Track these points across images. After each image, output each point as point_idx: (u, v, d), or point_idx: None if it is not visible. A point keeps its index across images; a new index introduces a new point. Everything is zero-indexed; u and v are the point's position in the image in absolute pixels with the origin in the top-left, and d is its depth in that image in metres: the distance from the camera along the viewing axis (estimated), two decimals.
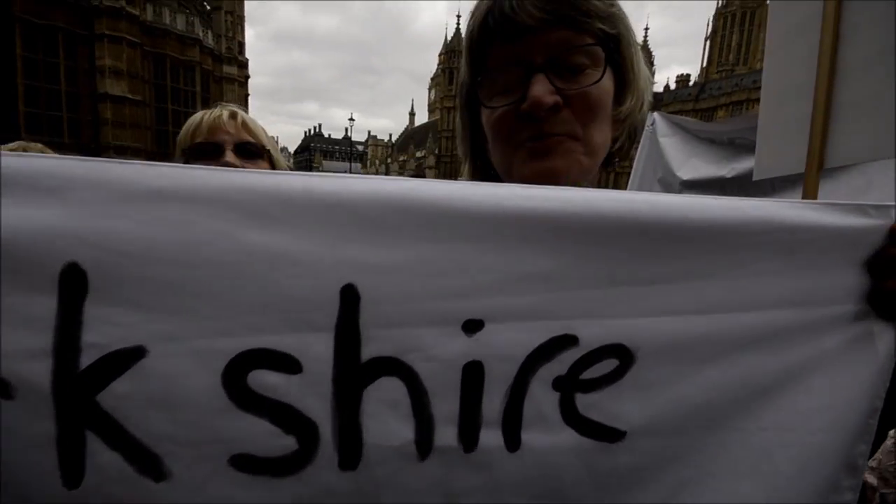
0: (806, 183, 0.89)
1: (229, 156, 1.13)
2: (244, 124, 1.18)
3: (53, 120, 24.01)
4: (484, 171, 0.72)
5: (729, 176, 3.37)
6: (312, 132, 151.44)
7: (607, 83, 0.61)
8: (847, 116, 0.82)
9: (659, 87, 79.97)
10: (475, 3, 0.63)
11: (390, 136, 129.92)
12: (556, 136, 0.60)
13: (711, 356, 0.52)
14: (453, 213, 0.45)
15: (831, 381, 0.56)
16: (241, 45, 34.74)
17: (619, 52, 0.62)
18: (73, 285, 0.38)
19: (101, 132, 25.09)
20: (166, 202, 0.39)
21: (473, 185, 0.46)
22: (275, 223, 0.41)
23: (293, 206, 0.42)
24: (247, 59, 35.46)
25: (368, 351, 0.44)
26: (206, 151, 1.13)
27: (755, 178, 1.05)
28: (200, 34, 29.57)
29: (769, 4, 0.97)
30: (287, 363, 0.42)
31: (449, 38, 76.48)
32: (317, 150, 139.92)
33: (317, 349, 0.43)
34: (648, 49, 76.57)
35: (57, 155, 0.44)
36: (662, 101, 76.94)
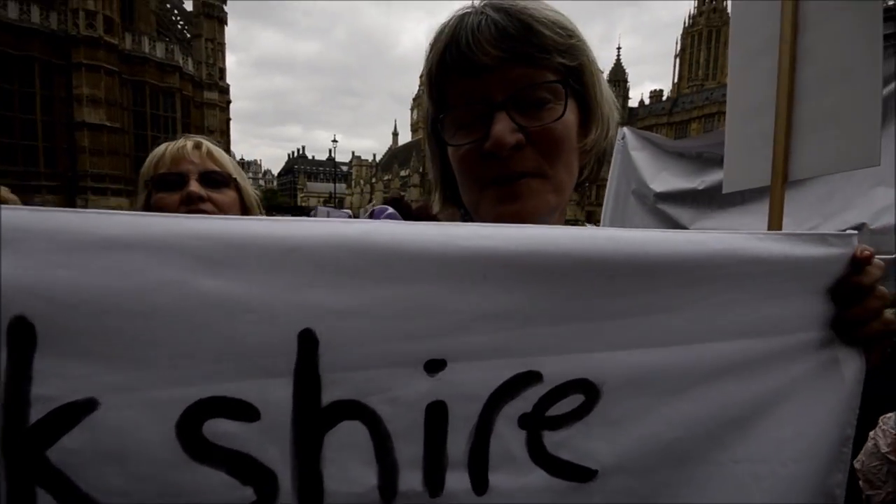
0: (772, 195, 0.92)
1: (194, 185, 1.11)
2: (209, 154, 1.18)
3: (29, 149, 23.52)
4: (454, 201, 0.72)
5: (700, 188, 3.53)
6: (296, 154, 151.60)
7: (571, 117, 0.61)
8: (807, 132, 0.86)
9: (634, 103, 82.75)
10: (434, 35, 0.63)
11: (374, 156, 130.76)
12: (522, 179, 0.59)
13: (678, 388, 0.52)
14: (412, 255, 0.44)
15: (800, 409, 0.56)
16: (222, 72, 34.83)
17: (582, 82, 0.62)
18: (21, 339, 0.37)
19: (79, 160, 24.63)
20: (118, 251, 0.38)
21: (433, 226, 0.47)
22: (229, 270, 0.40)
23: (248, 253, 0.41)
24: (228, 85, 35.55)
25: (329, 395, 0.43)
26: (170, 182, 1.12)
27: (724, 190, 1.09)
28: (180, 61, 29.57)
29: (731, 28, 1.01)
30: (244, 411, 0.41)
31: None
32: (301, 172, 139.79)
33: (275, 395, 0.42)
34: (622, 67, 79.34)
35: (12, 206, 0.43)
36: (638, 116, 79.45)
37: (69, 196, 24.24)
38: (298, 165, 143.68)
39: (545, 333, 0.48)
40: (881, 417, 1.72)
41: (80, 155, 24.65)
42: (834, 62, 0.80)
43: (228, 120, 36.28)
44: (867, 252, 0.55)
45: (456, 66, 0.59)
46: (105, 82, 25.09)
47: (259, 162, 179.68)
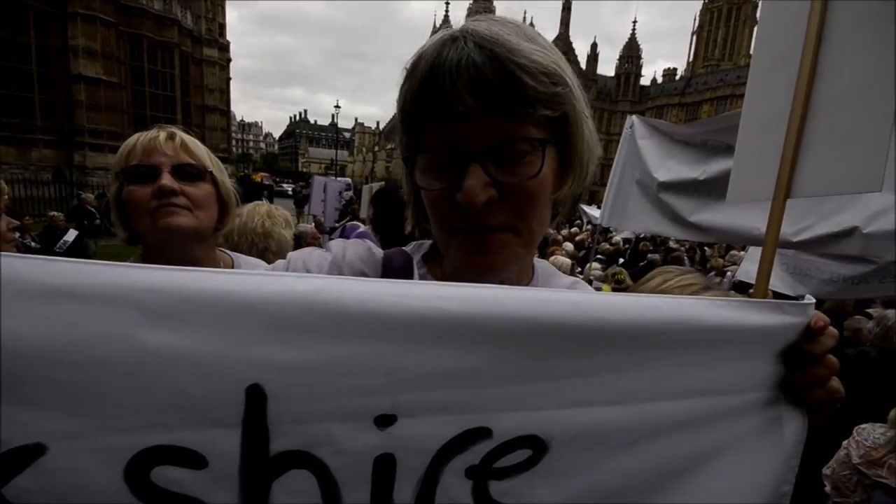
0: (772, 210, 0.90)
1: (166, 178, 1.07)
2: (183, 145, 1.12)
3: (25, 101, 22.94)
4: (423, 231, 0.70)
5: (701, 178, 3.47)
6: (298, 118, 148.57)
7: (548, 171, 0.58)
8: (816, 149, 0.83)
9: (646, 81, 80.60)
10: (411, 62, 0.58)
11: (378, 123, 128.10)
12: (491, 233, 0.57)
13: (624, 443, 0.53)
14: (365, 314, 0.44)
15: (738, 464, 0.58)
16: (222, 27, 33.66)
17: (564, 131, 0.59)
18: None
19: (76, 115, 24.10)
20: (63, 301, 0.37)
21: (388, 284, 0.46)
22: (176, 323, 0.40)
23: (196, 307, 0.40)
24: (228, 42, 34.44)
25: (277, 445, 0.44)
26: (142, 175, 1.07)
27: (728, 199, 1.06)
28: (179, 15, 28.47)
29: (755, 35, 0.97)
30: (191, 459, 0.42)
31: (438, 25, 75.39)
32: (302, 137, 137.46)
33: (222, 445, 0.42)
34: (636, 43, 76.74)
35: None
36: (649, 95, 77.56)
37: (67, 151, 23.87)
38: (300, 130, 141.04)
39: (497, 392, 0.48)
40: (856, 428, 1.76)
41: (77, 109, 24.08)
42: (854, 79, 0.76)
43: (228, 79, 35.34)
44: (821, 322, 0.56)
45: (431, 109, 0.55)
46: (101, 34, 24.22)
47: (260, 124, 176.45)
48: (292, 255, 0.68)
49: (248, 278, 0.42)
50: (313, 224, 9.20)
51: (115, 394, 0.39)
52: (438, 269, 0.70)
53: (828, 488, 1.77)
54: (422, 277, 0.68)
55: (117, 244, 1.21)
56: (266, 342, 0.41)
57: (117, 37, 25.46)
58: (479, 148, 0.54)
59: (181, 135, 1.14)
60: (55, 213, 7.12)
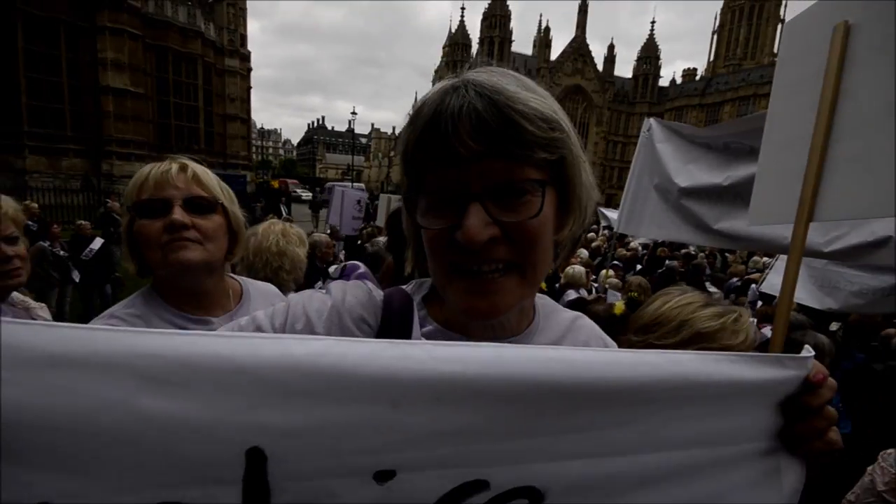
0: (794, 233, 0.87)
1: (178, 212, 1.07)
2: (195, 177, 1.13)
3: (56, 112, 23.97)
4: (423, 272, 0.69)
5: (725, 184, 3.30)
6: (316, 124, 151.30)
7: (548, 211, 0.59)
8: (839, 172, 0.80)
9: (665, 82, 79.33)
10: (414, 109, 0.59)
11: (393, 128, 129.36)
12: (492, 274, 0.57)
13: (622, 492, 0.54)
14: (364, 378, 0.44)
15: None
16: (244, 38, 34.53)
17: (563, 174, 0.60)
18: None
19: (104, 125, 25.03)
20: (61, 368, 0.38)
21: (387, 345, 0.46)
22: (174, 389, 0.40)
23: (193, 373, 0.40)
24: (249, 52, 35.29)
25: (277, 500, 0.45)
26: (154, 209, 1.08)
27: (750, 223, 1.03)
28: (202, 26, 29.37)
29: (778, 55, 0.94)
30: None
31: (453, 31, 75.91)
32: (320, 143, 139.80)
33: (223, 500, 0.43)
34: (655, 43, 75.67)
35: None
36: (668, 97, 76.32)
37: (95, 160, 24.80)
38: (318, 136, 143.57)
39: (495, 448, 0.49)
40: (881, 453, 1.67)
41: (105, 120, 25.03)
42: (875, 104, 0.73)
43: (249, 88, 36.18)
44: (820, 375, 0.57)
45: (433, 153, 0.56)
46: (129, 46, 25.17)
47: (279, 131, 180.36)
48: (292, 299, 0.67)
49: (246, 342, 0.42)
50: (329, 231, 9.33)
51: (116, 458, 0.40)
52: (439, 310, 0.69)
53: None
54: (422, 320, 0.68)
55: None
56: (265, 407, 0.42)
57: (144, 49, 26.43)
58: (480, 188, 0.55)
59: (193, 166, 1.15)
60: (82, 222, 7.37)
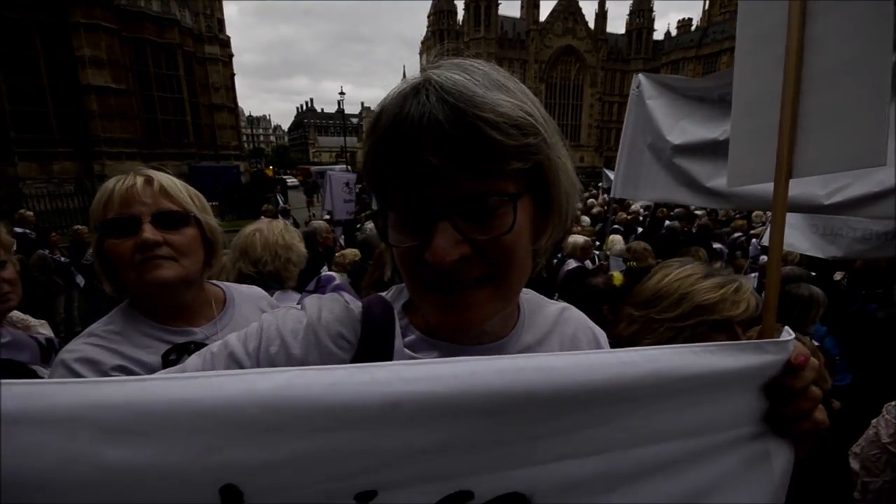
0: (775, 192, 0.86)
1: (147, 230, 1.02)
2: (162, 190, 1.07)
3: (41, 116, 23.58)
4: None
5: (721, 138, 3.13)
6: (305, 108, 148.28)
7: (523, 221, 0.55)
8: (813, 127, 0.77)
9: (659, 35, 76.83)
10: (374, 116, 0.55)
11: None
12: (465, 290, 0.54)
13: (609, 488, 0.53)
14: (333, 407, 0.43)
15: (728, 500, 0.58)
16: (221, 23, 33.46)
17: (540, 180, 0.55)
18: None
19: (90, 125, 24.67)
20: (26, 427, 0.37)
21: (354, 370, 0.45)
22: (136, 438, 0.39)
23: (155, 419, 0.39)
24: (228, 38, 34.26)
25: None
26: (122, 227, 1.03)
27: (728, 185, 1.01)
28: (177, 14, 28.43)
29: (738, 12, 0.90)
30: None
31: None
32: (310, 126, 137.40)
33: None
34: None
35: None
36: (663, 50, 74.06)
37: (85, 162, 24.56)
38: (308, 119, 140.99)
39: (475, 458, 0.48)
40: (886, 406, 1.69)
41: (91, 120, 24.64)
42: (843, 54, 0.70)
43: (233, 75, 35.31)
44: (802, 358, 0.56)
45: (395, 166, 0.52)
46: (105, 41, 24.51)
47: (268, 117, 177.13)
48: (265, 319, 0.64)
49: (207, 381, 0.42)
50: (327, 217, 9.30)
51: None
52: (421, 317, 0.66)
53: (856, 467, 1.73)
54: (403, 329, 0.65)
55: None
56: (233, 446, 0.41)
57: (121, 43, 25.72)
58: (447, 204, 0.51)
59: (159, 178, 1.08)
60: (79, 227, 7.36)
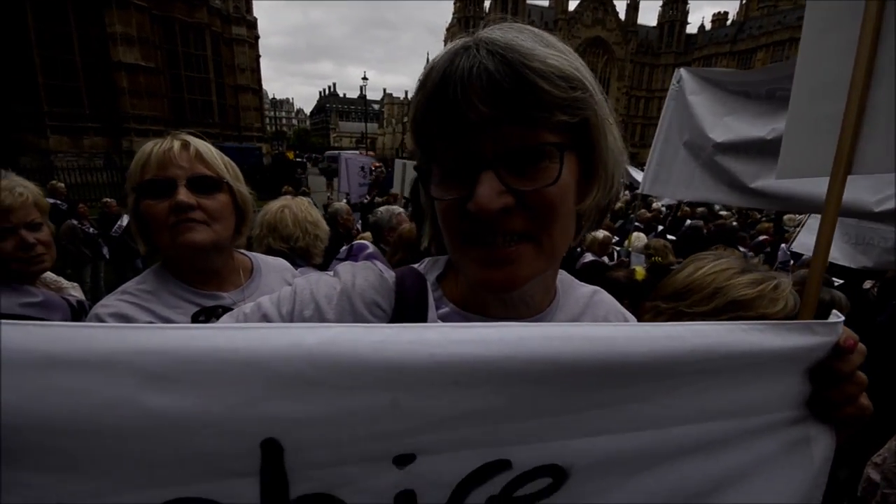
0: (830, 188, 0.81)
1: (182, 193, 1.05)
2: (198, 155, 1.09)
3: (72, 91, 24.19)
4: (440, 248, 0.65)
5: (769, 137, 2.95)
6: (327, 92, 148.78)
7: (568, 178, 0.54)
8: (881, 120, 0.72)
9: (693, 29, 74.22)
10: (423, 74, 0.55)
11: (406, 93, 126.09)
12: (508, 244, 0.53)
13: (646, 466, 0.53)
14: (378, 364, 0.42)
15: (767, 484, 0.57)
16: (249, 4, 33.64)
17: (585, 138, 0.55)
18: None
19: (119, 102, 25.20)
20: (58, 369, 0.37)
21: (401, 329, 0.44)
22: (179, 386, 0.38)
23: (199, 368, 0.39)
24: (255, 19, 34.43)
25: (297, 490, 0.44)
26: (158, 189, 1.06)
27: (777, 177, 0.96)
28: None
29: None
30: None
31: None
32: (332, 111, 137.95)
33: (241, 493, 0.42)
34: None
35: None
36: (696, 45, 71.58)
37: (115, 138, 25.17)
38: (330, 104, 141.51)
39: (517, 427, 0.48)
40: None
41: (121, 97, 25.16)
42: None
43: (258, 56, 35.56)
44: (851, 341, 0.55)
45: (443, 119, 0.52)
46: (136, 19, 24.91)
47: (291, 100, 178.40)
48: (298, 283, 0.64)
49: (254, 332, 0.41)
50: (345, 200, 9.36)
51: (126, 456, 0.39)
52: (455, 289, 0.65)
53: (876, 478, 1.67)
54: (437, 301, 0.64)
55: None
56: (277, 398, 0.41)
57: (151, 21, 26.11)
58: (493, 155, 0.51)
59: (195, 143, 1.11)
60: (108, 200, 7.58)
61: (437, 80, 0.51)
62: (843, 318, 0.55)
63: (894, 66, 0.69)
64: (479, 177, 0.50)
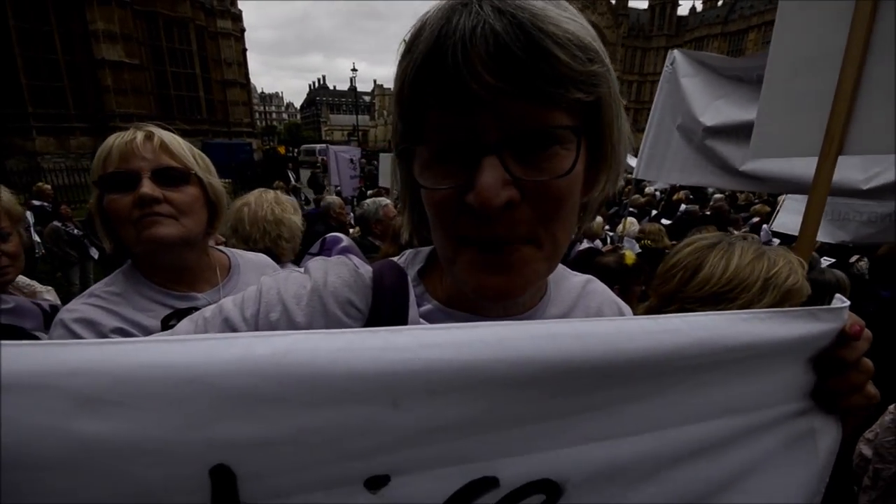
0: (820, 168, 0.77)
1: (146, 185, 0.99)
2: (163, 146, 1.03)
3: (57, 91, 23.72)
4: (423, 240, 0.59)
5: None
6: (317, 85, 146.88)
7: (579, 167, 0.46)
8: (878, 97, 0.68)
9: (684, 10, 73.54)
10: (411, 33, 0.46)
11: None
12: (509, 246, 0.46)
13: (648, 475, 0.48)
14: (341, 375, 0.37)
15: (770, 482, 0.54)
16: None
17: (599, 120, 0.48)
18: None
19: (105, 100, 24.77)
20: None
21: (367, 335, 0.39)
22: (114, 409, 0.34)
23: (134, 387, 0.34)
24: (240, 11, 33.80)
25: None
26: (120, 182, 0.99)
27: (752, 156, 0.92)
28: None
29: None
30: None
31: None
32: (323, 104, 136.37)
33: None
34: None
35: None
36: (687, 27, 71.01)
37: (102, 137, 24.63)
38: (320, 97, 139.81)
39: (503, 437, 0.43)
40: None
41: (105, 95, 24.72)
42: None
43: (244, 50, 34.96)
44: (857, 327, 0.52)
45: (437, 92, 0.43)
46: (118, 15, 24.39)
47: (281, 95, 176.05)
48: (265, 282, 0.58)
49: (197, 345, 0.36)
50: (334, 194, 9.28)
51: (62, 491, 0.35)
52: (439, 284, 0.60)
53: (868, 453, 1.67)
54: (418, 297, 0.59)
55: None
56: (226, 419, 0.36)
57: (133, 17, 25.58)
58: (498, 137, 0.43)
59: (160, 134, 1.04)
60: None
61: (430, 41, 0.43)
62: (847, 302, 0.52)
63: (893, 40, 0.64)
64: (481, 163, 0.43)
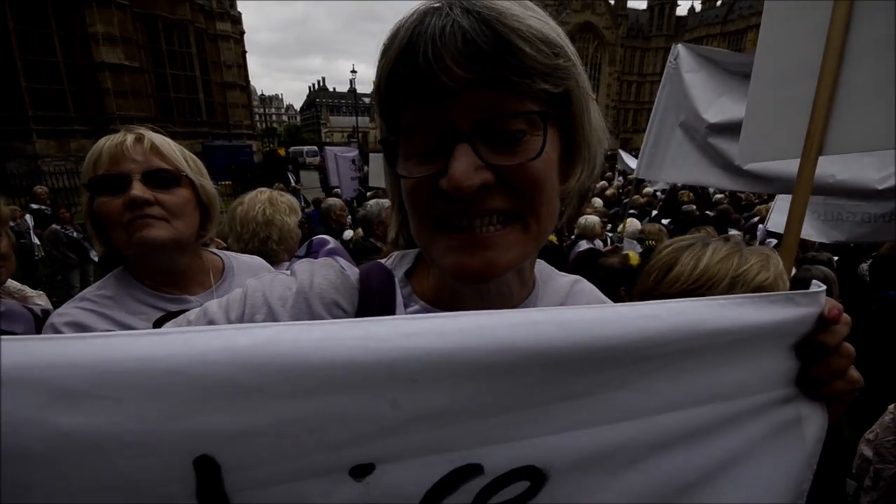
0: (801, 169, 0.81)
1: (137, 187, 0.98)
2: (154, 148, 1.03)
3: (57, 94, 23.78)
4: (409, 239, 0.61)
5: None
6: (317, 87, 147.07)
7: (552, 153, 0.49)
8: (853, 101, 0.71)
9: (683, 11, 73.67)
10: (388, 36, 0.49)
11: None
12: (487, 224, 0.48)
13: (632, 462, 0.49)
14: (323, 365, 0.38)
15: (757, 470, 0.54)
16: None
17: (568, 111, 0.51)
18: None
19: (105, 103, 24.82)
20: None
21: (347, 325, 0.40)
22: (93, 402, 0.34)
23: (115, 380, 0.35)
24: (240, 14, 33.91)
25: None
26: (111, 185, 0.99)
27: (738, 162, 0.96)
28: None
29: None
30: None
31: None
32: (323, 106, 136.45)
33: None
34: None
35: None
36: (686, 27, 71.13)
37: None
38: (320, 99, 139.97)
39: (484, 425, 0.43)
40: None
41: (105, 97, 24.77)
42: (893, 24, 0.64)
43: (244, 52, 35.05)
44: (835, 311, 0.52)
45: (411, 87, 0.47)
46: (118, 17, 24.47)
47: (281, 96, 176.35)
48: (250, 284, 0.58)
49: (176, 338, 0.36)
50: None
51: (42, 485, 0.35)
52: (426, 284, 0.61)
53: (868, 454, 1.69)
54: (406, 298, 0.60)
55: None
56: (207, 411, 0.36)
57: (133, 20, 25.66)
58: (469, 126, 0.46)
59: (150, 136, 1.04)
60: None
61: (404, 41, 0.46)
62: (824, 287, 0.53)
63: (867, 48, 0.67)
64: (454, 151, 0.46)
